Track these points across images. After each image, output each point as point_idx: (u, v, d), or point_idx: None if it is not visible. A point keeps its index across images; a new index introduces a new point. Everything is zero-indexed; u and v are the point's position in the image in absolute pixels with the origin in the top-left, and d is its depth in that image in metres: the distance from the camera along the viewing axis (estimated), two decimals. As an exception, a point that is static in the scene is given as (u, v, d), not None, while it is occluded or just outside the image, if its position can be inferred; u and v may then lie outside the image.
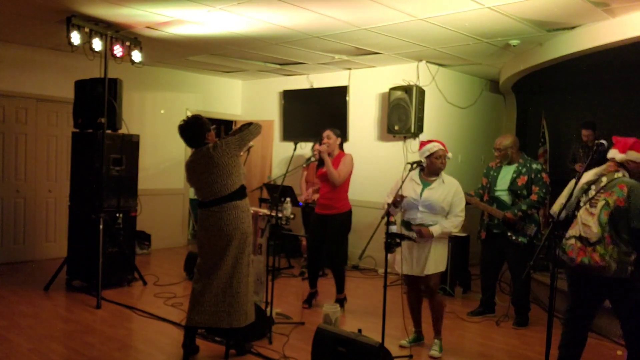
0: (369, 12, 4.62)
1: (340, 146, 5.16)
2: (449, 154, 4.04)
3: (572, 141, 6.65)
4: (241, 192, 3.70)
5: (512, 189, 4.74)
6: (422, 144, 4.10)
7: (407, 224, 4.02)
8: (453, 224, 3.94)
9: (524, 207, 4.64)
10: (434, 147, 3.99)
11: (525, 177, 4.70)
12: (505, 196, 4.78)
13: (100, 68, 5.35)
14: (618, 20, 4.52)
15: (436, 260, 3.95)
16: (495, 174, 4.90)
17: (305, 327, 4.53)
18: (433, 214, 3.93)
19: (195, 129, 3.69)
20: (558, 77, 6.55)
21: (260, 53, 6.55)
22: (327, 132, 5.07)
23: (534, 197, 4.65)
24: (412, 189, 4.00)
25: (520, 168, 4.76)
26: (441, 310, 4.10)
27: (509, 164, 4.84)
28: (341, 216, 5.05)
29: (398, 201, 3.83)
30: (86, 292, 5.41)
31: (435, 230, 3.89)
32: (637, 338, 3.27)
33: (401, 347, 4.11)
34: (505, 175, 4.81)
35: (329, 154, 5.01)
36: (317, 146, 4.99)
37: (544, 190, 4.66)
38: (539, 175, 4.69)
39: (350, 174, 5.06)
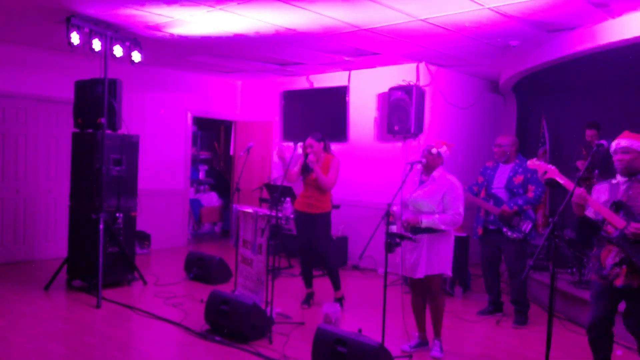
0: (369, 12, 4.62)
1: (326, 148, 5.17)
2: (436, 149, 3.97)
3: (576, 141, 6.64)
4: None
5: (509, 186, 4.85)
6: None
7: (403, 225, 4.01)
8: (444, 219, 3.80)
9: (520, 201, 4.74)
10: (427, 145, 4.05)
11: (522, 177, 4.82)
12: (502, 193, 4.88)
13: (100, 68, 5.35)
14: (618, 20, 4.53)
15: (429, 263, 3.86)
16: (492, 172, 5.01)
17: (305, 327, 4.53)
18: (423, 214, 3.85)
19: None
20: (558, 77, 6.55)
21: (260, 53, 6.56)
22: (309, 141, 5.06)
23: (530, 194, 4.77)
24: (410, 189, 4.01)
25: (516, 168, 4.88)
26: (441, 312, 4.06)
27: (506, 162, 4.96)
28: (326, 215, 5.14)
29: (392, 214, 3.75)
30: (86, 292, 5.40)
31: (425, 218, 3.78)
32: None
33: (403, 351, 4.06)
34: (502, 174, 4.94)
35: (317, 159, 5.04)
36: (309, 157, 4.99)
37: (540, 189, 4.76)
38: (534, 175, 4.80)
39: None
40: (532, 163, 3.32)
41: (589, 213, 3.19)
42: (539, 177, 4.78)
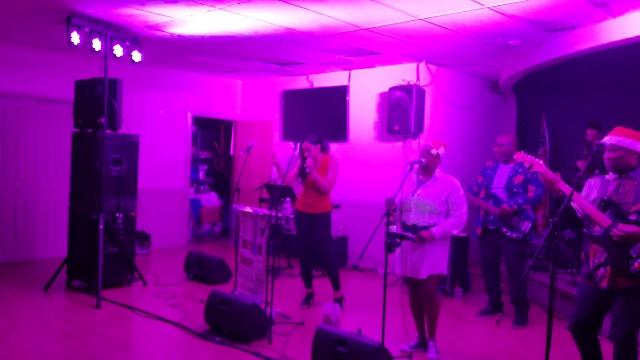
0: (369, 12, 4.62)
1: (323, 148, 5.16)
2: (436, 150, 3.97)
3: (577, 142, 6.64)
4: None
5: (509, 186, 4.84)
6: None
7: (404, 225, 4.01)
8: (453, 223, 3.89)
9: (520, 200, 4.74)
10: (425, 145, 4.05)
11: (522, 177, 4.81)
12: (501, 193, 4.87)
13: (100, 68, 5.34)
14: (618, 20, 4.52)
15: (431, 263, 3.89)
16: (492, 172, 5.00)
17: (305, 327, 4.53)
18: (426, 214, 3.89)
19: None
20: (558, 77, 6.55)
21: (260, 53, 6.55)
22: (306, 145, 5.05)
23: (530, 194, 4.76)
24: (408, 189, 4.01)
25: (517, 167, 4.86)
26: (436, 312, 4.05)
27: (506, 162, 4.95)
28: (325, 215, 5.15)
29: (391, 205, 3.76)
30: (86, 292, 5.40)
31: (436, 231, 3.84)
32: None
33: (403, 352, 4.05)
34: (502, 174, 4.93)
35: (315, 162, 5.04)
36: (307, 161, 4.99)
37: (540, 189, 4.75)
38: (535, 175, 4.77)
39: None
40: (519, 155, 3.24)
41: (576, 206, 3.10)
42: (539, 177, 4.79)
